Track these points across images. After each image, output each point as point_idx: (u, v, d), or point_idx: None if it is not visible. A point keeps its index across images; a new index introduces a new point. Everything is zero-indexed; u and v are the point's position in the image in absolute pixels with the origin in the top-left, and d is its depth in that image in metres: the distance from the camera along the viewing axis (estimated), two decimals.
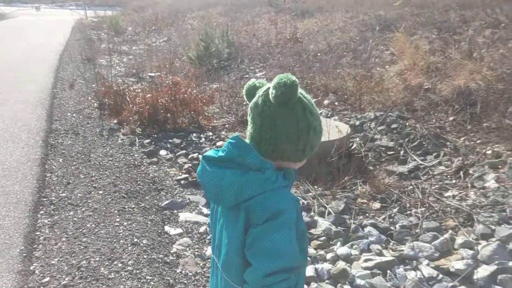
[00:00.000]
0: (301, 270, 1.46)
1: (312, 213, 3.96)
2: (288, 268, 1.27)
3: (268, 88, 1.37)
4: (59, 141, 5.67)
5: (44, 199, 4.14)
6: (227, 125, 6.58)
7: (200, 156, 5.20)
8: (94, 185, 4.45)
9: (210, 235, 1.52)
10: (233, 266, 1.39)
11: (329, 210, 3.94)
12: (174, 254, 3.41)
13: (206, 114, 6.69)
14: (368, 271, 3.06)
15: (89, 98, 7.79)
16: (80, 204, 4.04)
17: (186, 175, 4.79)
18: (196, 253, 3.44)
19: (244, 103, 1.39)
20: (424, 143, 5.15)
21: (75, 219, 3.78)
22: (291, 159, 1.40)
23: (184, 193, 4.47)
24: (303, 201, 4.16)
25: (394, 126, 5.63)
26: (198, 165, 1.47)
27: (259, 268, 1.27)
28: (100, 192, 4.32)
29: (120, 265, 3.15)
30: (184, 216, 4.01)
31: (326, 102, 7.06)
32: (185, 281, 3.09)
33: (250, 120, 1.42)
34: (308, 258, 1.44)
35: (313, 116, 1.39)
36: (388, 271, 3.08)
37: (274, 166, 1.35)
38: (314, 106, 1.41)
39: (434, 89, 6.09)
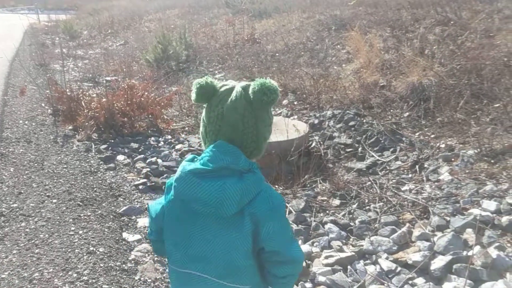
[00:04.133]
0: None
1: None
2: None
3: (241, 91, 1.40)
4: (10, 149, 5.43)
5: None
6: (186, 128, 6.50)
7: (159, 160, 5.14)
8: (47, 194, 4.28)
9: (168, 247, 1.49)
10: (243, 271, 1.41)
11: (290, 209, 3.94)
12: (133, 261, 3.32)
13: (165, 117, 6.59)
14: (329, 268, 3.07)
15: (42, 104, 7.52)
16: (33, 214, 3.88)
17: (145, 180, 4.66)
18: (156, 259, 3.36)
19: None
20: (381, 139, 5.25)
21: (27, 230, 3.62)
22: (258, 155, 1.47)
23: (142, 198, 4.37)
24: None
25: (351, 123, 5.71)
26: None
27: (296, 251, 1.44)
28: (54, 201, 4.16)
29: (75, 275, 3.03)
30: (142, 221, 3.92)
31: (285, 102, 7.09)
32: None
33: (224, 123, 1.40)
34: None
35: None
36: (349, 267, 3.10)
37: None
38: None
39: (389, 86, 6.22)
